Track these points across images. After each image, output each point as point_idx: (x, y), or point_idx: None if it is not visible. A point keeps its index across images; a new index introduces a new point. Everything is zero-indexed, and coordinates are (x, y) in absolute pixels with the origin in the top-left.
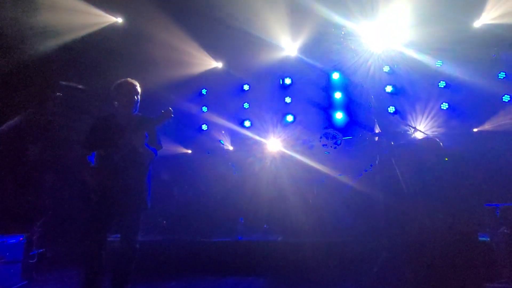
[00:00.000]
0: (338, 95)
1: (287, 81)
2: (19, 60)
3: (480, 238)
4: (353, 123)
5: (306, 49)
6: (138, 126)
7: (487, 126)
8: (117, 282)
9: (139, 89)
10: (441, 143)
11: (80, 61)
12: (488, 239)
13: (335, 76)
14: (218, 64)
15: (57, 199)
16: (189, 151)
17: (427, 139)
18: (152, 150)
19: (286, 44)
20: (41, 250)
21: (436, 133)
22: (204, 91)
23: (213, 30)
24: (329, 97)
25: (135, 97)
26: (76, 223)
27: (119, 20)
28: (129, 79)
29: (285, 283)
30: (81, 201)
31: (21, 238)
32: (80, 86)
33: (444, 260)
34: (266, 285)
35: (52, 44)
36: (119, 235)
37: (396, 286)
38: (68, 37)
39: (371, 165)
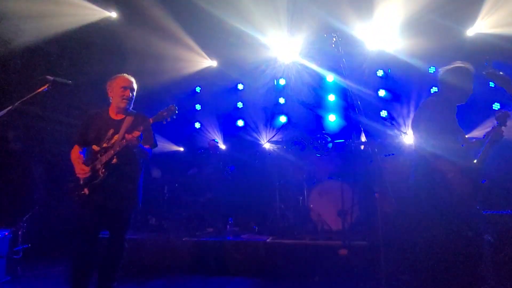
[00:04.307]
0: (332, 97)
1: (282, 81)
2: (8, 49)
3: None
4: (346, 126)
5: (302, 51)
6: (134, 124)
7: (477, 133)
8: (104, 279)
9: (135, 86)
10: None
11: (72, 54)
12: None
13: (330, 78)
14: (213, 63)
15: (44, 193)
16: (181, 149)
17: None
18: (146, 150)
19: (282, 45)
20: (27, 245)
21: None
22: (198, 89)
23: (208, 28)
24: (323, 99)
25: (131, 93)
26: (63, 219)
27: (113, 14)
28: (126, 74)
29: (273, 284)
30: (72, 197)
31: (6, 233)
32: (68, 82)
33: (433, 266)
34: (253, 285)
35: (42, 36)
36: (107, 232)
37: None
38: (59, 29)
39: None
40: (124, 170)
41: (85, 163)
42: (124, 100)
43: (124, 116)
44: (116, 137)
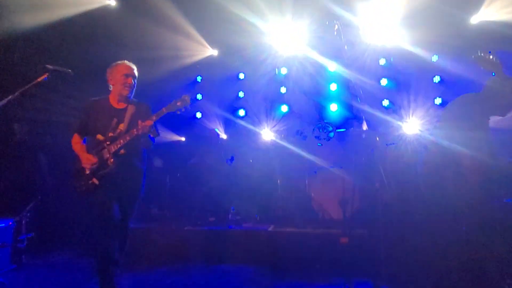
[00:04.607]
0: (333, 86)
1: (283, 70)
2: (7, 39)
3: None
4: (348, 115)
5: (304, 39)
6: (137, 113)
7: None
8: None
9: (136, 73)
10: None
11: (71, 43)
12: None
13: (332, 67)
14: (214, 52)
15: (47, 183)
16: (183, 139)
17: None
18: (151, 139)
19: (283, 34)
20: (30, 234)
21: (428, 128)
22: (199, 79)
23: (209, 16)
24: (325, 88)
25: (133, 80)
26: (66, 208)
27: (112, 2)
28: (127, 61)
29: (274, 272)
30: (79, 187)
31: (10, 223)
32: (68, 71)
33: (433, 255)
34: (255, 273)
35: (40, 22)
36: None
37: (390, 282)
38: (58, 18)
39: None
40: (131, 160)
41: (89, 152)
42: (127, 88)
43: (126, 104)
44: (121, 126)
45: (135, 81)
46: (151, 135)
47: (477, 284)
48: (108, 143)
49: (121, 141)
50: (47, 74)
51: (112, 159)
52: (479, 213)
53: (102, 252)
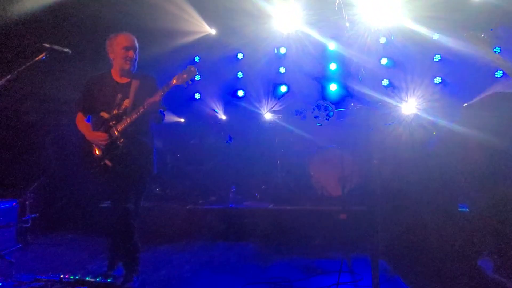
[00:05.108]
0: (333, 66)
1: (282, 50)
2: (5, 19)
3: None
4: (347, 95)
5: (303, 17)
6: (142, 87)
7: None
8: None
9: (137, 44)
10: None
11: (67, 23)
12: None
13: (331, 46)
14: (212, 31)
15: (50, 163)
16: (182, 120)
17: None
18: (162, 113)
19: (283, 12)
20: (35, 215)
21: (426, 107)
22: (197, 59)
23: None
24: (324, 68)
25: (134, 53)
26: (70, 188)
27: None
28: (126, 33)
29: (274, 248)
30: (92, 169)
31: (14, 203)
32: (66, 50)
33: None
34: (256, 250)
35: (38, 3)
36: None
37: (387, 256)
38: None
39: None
40: (140, 137)
41: (95, 131)
42: (128, 62)
43: (129, 79)
44: (126, 102)
45: (137, 53)
46: (161, 109)
47: (472, 259)
48: (114, 122)
49: (128, 119)
50: (45, 53)
51: (122, 139)
52: (482, 193)
53: (122, 232)
